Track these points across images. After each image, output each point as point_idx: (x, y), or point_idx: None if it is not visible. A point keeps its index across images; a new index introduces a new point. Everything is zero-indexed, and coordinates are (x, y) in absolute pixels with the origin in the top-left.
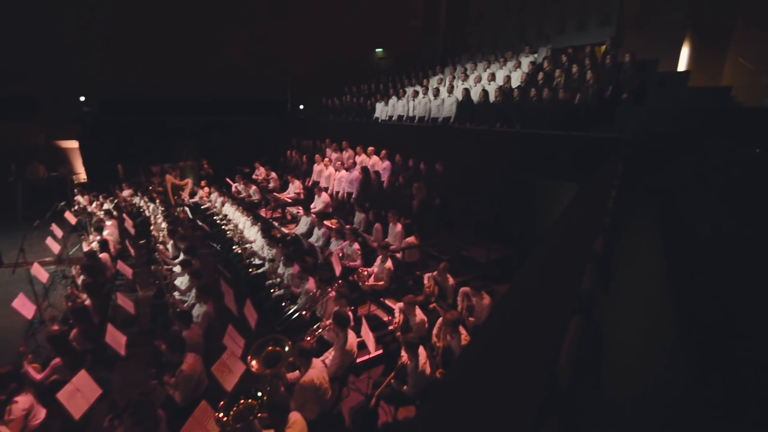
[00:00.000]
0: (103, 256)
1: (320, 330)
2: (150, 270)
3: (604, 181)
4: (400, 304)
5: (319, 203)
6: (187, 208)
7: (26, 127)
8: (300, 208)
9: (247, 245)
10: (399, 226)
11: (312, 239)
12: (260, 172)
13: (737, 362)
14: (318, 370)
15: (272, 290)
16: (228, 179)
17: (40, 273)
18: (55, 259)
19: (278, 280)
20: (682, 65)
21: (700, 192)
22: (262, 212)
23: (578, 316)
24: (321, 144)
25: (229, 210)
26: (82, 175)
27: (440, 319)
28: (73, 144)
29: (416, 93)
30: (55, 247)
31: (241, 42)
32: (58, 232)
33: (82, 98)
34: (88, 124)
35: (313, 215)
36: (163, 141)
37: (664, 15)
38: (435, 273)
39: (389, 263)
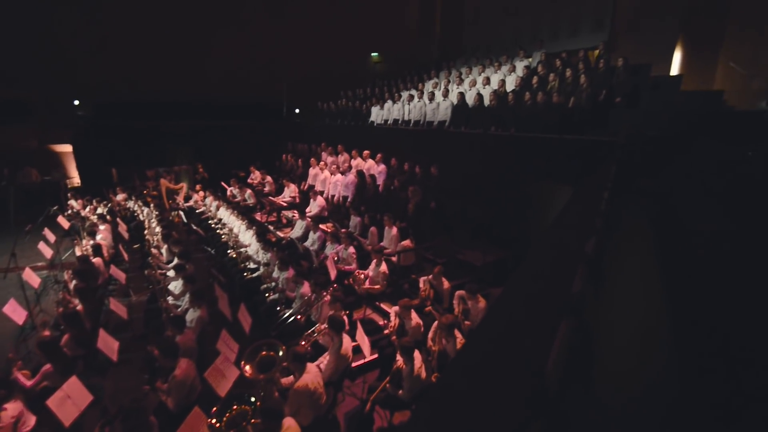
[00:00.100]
0: (97, 260)
1: (315, 334)
2: (144, 274)
3: (598, 183)
4: (396, 308)
5: (314, 207)
6: (181, 212)
7: (19, 131)
8: (295, 211)
9: (242, 249)
10: (394, 230)
11: (307, 243)
12: (255, 176)
13: (733, 364)
14: (312, 374)
15: (267, 294)
16: (223, 183)
17: (32, 278)
18: (47, 264)
19: (273, 284)
20: (674, 69)
21: (693, 194)
22: (258, 216)
23: (568, 319)
24: (316, 148)
25: (224, 214)
26: (75, 180)
27: (436, 322)
28: (66, 148)
29: (411, 97)
30: (48, 252)
31: (237, 46)
32: (51, 237)
33: (76, 102)
34: (82, 128)
35: (309, 219)
36: (158, 145)
37: (656, 20)
38: (430, 276)
39: (384, 266)
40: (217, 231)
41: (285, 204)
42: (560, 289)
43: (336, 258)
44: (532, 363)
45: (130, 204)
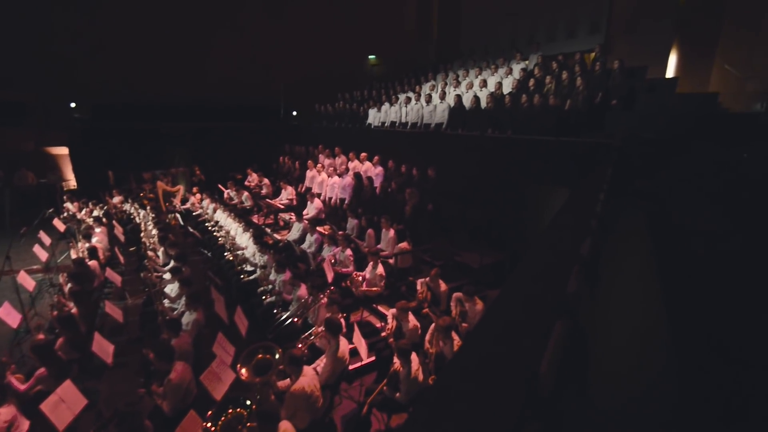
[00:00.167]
0: (92, 263)
1: (312, 337)
2: (140, 277)
3: (594, 185)
4: (393, 310)
5: (311, 209)
6: (178, 215)
7: (15, 133)
8: (292, 214)
9: (239, 252)
10: (392, 232)
11: (304, 245)
12: (252, 179)
13: (731, 364)
14: (309, 377)
15: (264, 297)
16: (220, 185)
17: (27, 281)
18: (42, 267)
19: (270, 286)
20: (670, 72)
21: (689, 196)
22: (255, 218)
23: (563, 319)
24: (314, 150)
25: (221, 216)
26: (71, 182)
27: (433, 325)
28: (63, 150)
29: (409, 99)
30: (43, 255)
31: (235, 48)
32: (46, 240)
33: (73, 104)
34: (78, 130)
35: (306, 221)
36: (155, 147)
37: (652, 23)
38: (427, 279)
39: (380, 268)
40: (214, 233)
41: (282, 206)
42: (556, 291)
43: (333, 260)
44: (526, 365)
45: (127, 206)
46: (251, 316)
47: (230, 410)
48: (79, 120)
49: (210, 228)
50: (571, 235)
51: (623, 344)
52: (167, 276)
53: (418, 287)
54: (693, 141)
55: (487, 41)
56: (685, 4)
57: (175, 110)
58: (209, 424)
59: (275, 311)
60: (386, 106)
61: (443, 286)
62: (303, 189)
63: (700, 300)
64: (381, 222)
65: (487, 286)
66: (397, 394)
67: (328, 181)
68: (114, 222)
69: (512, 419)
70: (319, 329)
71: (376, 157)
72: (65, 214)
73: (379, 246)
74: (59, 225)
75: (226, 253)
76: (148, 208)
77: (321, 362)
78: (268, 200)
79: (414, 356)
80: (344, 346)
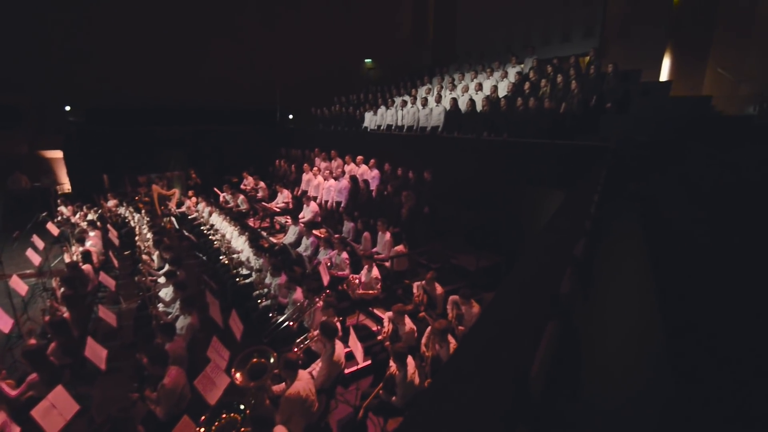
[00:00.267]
0: (86, 267)
1: (307, 341)
2: (134, 281)
3: (589, 187)
4: (389, 314)
5: (307, 213)
6: (173, 219)
7: (9, 136)
8: (288, 217)
9: (234, 255)
10: (388, 235)
11: (300, 249)
12: (248, 182)
13: (726, 365)
14: (304, 381)
15: (259, 301)
16: (216, 189)
17: (19, 285)
18: (36, 271)
19: (265, 290)
20: (664, 75)
21: (683, 198)
22: (251, 222)
23: (555, 321)
24: (310, 153)
25: (217, 220)
26: (66, 186)
27: (429, 328)
28: (57, 154)
29: (405, 103)
30: (36, 259)
31: (231, 51)
32: (39, 244)
33: (68, 108)
34: (73, 133)
35: (302, 224)
36: (151, 151)
37: (645, 27)
38: (424, 282)
39: (376, 271)
40: (210, 237)
41: (278, 210)
42: (549, 292)
43: (329, 263)
44: (517, 367)
45: (121, 210)
46: (247, 320)
47: (224, 415)
48: (74, 123)
49: (205, 231)
50: (566, 236)
51: (619, 345)
52: (162, 280)
53: (415, 290)
54: (687, 144)
55: (482, 45)
56: (678, 9)
57: (171, 113)
58: (203, 430)
59: (271, 315)
60: (382, 109)
61: (439, 289)
62: (299, 192)
63: (695, 301)
64: (377, 225)
65: (483, 289)
66: (393, 398)
67: (324, 184)
68: (108, 226)
69: (500, 424)
70: (315, 333)
71: (372, 160)
72: (59, 218)
73: (375, 249)
74: (53, 229)
75: (221, 257)
76: (143, 211)
77: (317, 366)
78: (264, 203)
79: (410, 359)
80: (340, 349)
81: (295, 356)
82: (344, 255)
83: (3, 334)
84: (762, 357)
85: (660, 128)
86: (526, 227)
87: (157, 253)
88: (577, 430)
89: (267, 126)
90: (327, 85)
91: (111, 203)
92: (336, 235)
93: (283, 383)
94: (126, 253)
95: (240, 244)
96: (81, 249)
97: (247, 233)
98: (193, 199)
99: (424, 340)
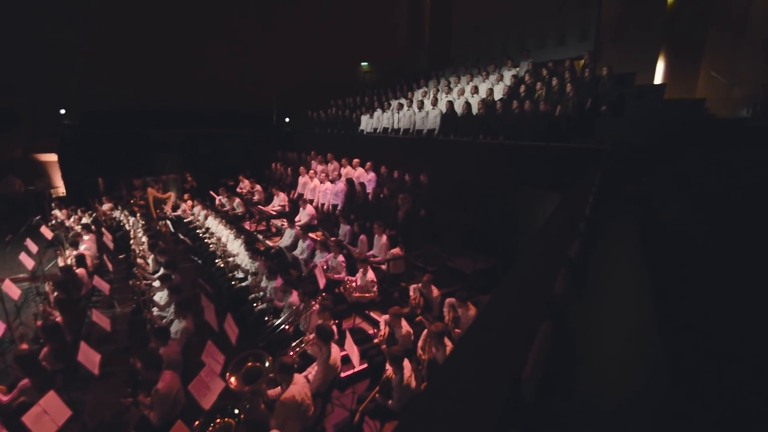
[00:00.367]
0: (80, 271)
1: (303, 344)
2: (129, 285)
3: (584, 189)
4: (386, 317)
5: (304, 216)
6: (169, 222)
7: (3, 140)
8: (284, 220)
9: (230, 258)
10: (384, 238)
11: (296, 252)
12: (244, 185)
13: (722, 364)
14: (300, 386)
15: (255, 304)
16: (212, 192)
17: (12, 290)
18: (29, 276)
19: (261, 293)
20: (658, 78)
21: (677, 199)
22: (247, 225)
23: (549, 321)
24: (306, 156)
25: (212, 223)
26: (60, 189)
27: (425, 331)
28: (51, 157)
29: (401, 106)
30: (29, 263)
31: (227, 54)
32: (33, 248)
33: (63, 111)
34: (68, 136)
35: (298, 228)
36: (146, 154)
37: (639, 31)
38: (420, 285)
39: (371, 274)
40: (205, 240)
41: (274, 213)
42: (543, 293)
43: (325, 267)
44: (511, 369)
45: (116, 214)
46: (242, 324)
47: (218, 420)
48: (69, 126)
49: (201, 235)
50: (561, 238)
51: (615, 346)
52: (156, 284)
53: (411, 293)
54: (681, 146)
55: (478, 48)
56: (672, 12)
57: (167, 116)
58: None
59: (266, 318)
60: (379, 112)
61: (436, 292)
62: (295, 195)
63: (690, 301)
64: (373, 228)
65: (479, 292)
66: (390, 402)
67: (320, 187)
68: (103, 229)
69: (492, 427)
70: (311, 336)
71: (368, 163)
72: (53, 222)
73: (371, 252)
74: (47, 232)
75: (217, 260)
76: (138, 215)
77: (312, 370)
78: (260, 207)
79: (406, 363)
80: (336, 353)
81: (290, 360)
82: (340, 258)
83: None
84: (758, 357)
85: (655, 131)
86: (522, 230)
87: (152, 256)
88: (572, 430)
89: (263, 129)
90: (323, 87)
91: (106, 207)
92: (332, 238)
93: (279, 387)
94: (121, 256)
95: (236, 247)
96: (75, 253)
97: (243, 236)
98: (189, 202)
99: (420, 343)
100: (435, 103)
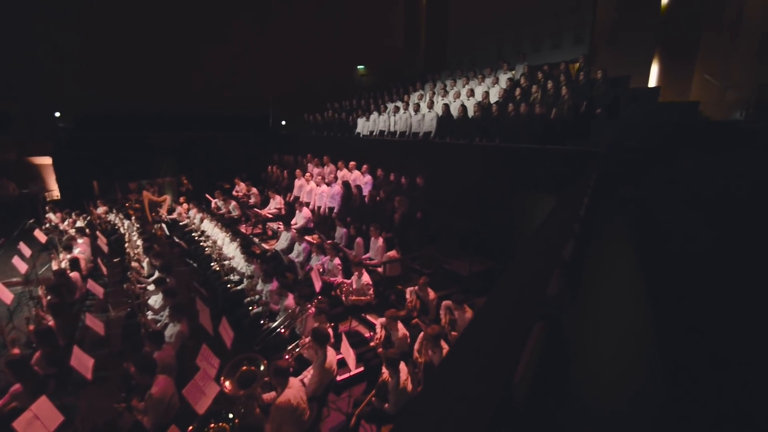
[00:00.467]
0: (74, 275)
1: (299, 348)
2: (123, 289)
3: (580, 192)
4: (382, 320)
5: (300, 218)
6: (164, 225)
7: None
8: (281, 223)
9: (226, 262)
10: (380, 241)
11: (293, 255)
12: (240, 188)
13: (719, 366)
14: (295, 389)
15: (251, 308)
16: (207, 195)
17: (4, 294)
18: (22, 279)
19: (257, 297)
20: (652, 81)
21: (672, 201)
22: (243, 228)
23: (542, 322)
24: (302, 159)
25: (208, 226)
26: (55, 192)
27: (422, 333)
28: (46, 160)
29: (397, 109)
30: (22, 267)
31: (223, 57)
32: (26, 251)
33: (58, 114)
34: (63, 139)
35: (294, 231)
36: (142, 157)
37: (633, 34)
38: (416, 287)
39: (366, 277)
40: (201, 243)
41: (270, 216)
42: (537, 295)
43: (321, 270)
44: (504, 372)
45: (111, 217)
46: (238, 327)
47: (212, 425)
48: (64, 129)
49: (197, 238)
50: (556, 239)
51: (611, 348)
52: (151, 287)
53: (407, 296)
54: (675, 148)
55: (474, 51)
56: (665, 16)
57: (163, 119)
58: None
59: (262, 322)
60: (375, 115)
61: (432, 295)
62: (291, 198)
63: (686, 302)
64: (370, 230)
65: (476, 294)
66: (386, 405)
67: (316, 190)
68: (98, 233)
69: (484, 429)
70: (307, 340)
71: (364, 166)
72: (47, 225)
73: (368, 255)
74: (40, 236)
75: (212, 264)
76: (133, 218)
77: (308, 373)
78: (256, 210)
79: (403, 366)
80: (332, 356)
81: (285, 363)
82: (336, 261)
83: None
84: (756, 358)
85: (649, 133)
86: (518, 232)
87: (147, 260)
88: None
89: (259, 132)
90: (320, 91)
91: (101, 210)
92: (328, 241)
93: (274, 391)
94: (115, 260)
95: (231, 250)
96: (69, 256)
97: (238, 239)
98: (185, 205)
99: (416, 346)
100: (431, 105)
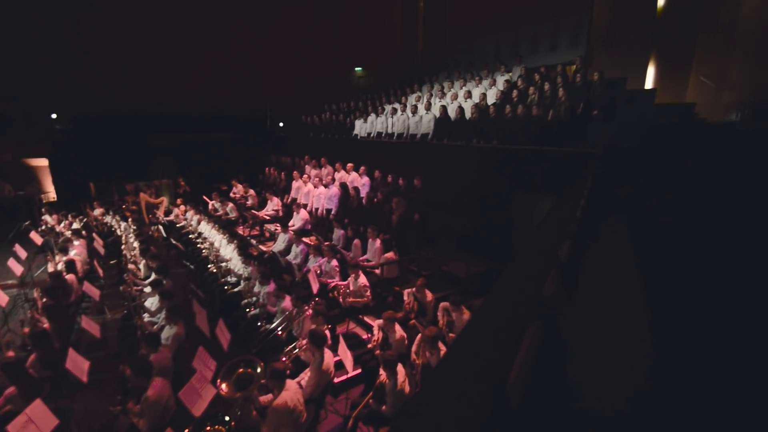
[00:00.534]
0: (69, 277)
1: (296, 350)
2: (119, 291)
3: (577, 193)
4: (380, 321)
5: (297, 220)
6: (161, 227)
7: None
8: (278, 225)
9: (223, 264)
10: (378, 242)
11: (290, 257)
12: (238, 190)
13: (718, 367)
14: (292, 392)
15: (248, 309)
16: (205, 197)
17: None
18: (18, 282)
19: (254, 299)
20: (648, 83)
21: (669, 202)
22: (240, 230)
23: (538, 323)
24: (300, 161)
25: (205, 228)
26: (51, 194)
27: (419, 335)
28: (42, 162)
29: (395, 110)
30: (18, 269)
31: (220, 59)
32: (22, 253)
33: (54, 115)
34: (59, 141)
35: (291, 232)
36: (139, 158)
37: (630, 36)
38: (414, 289)
39: (363, 279)
40: (198, 245)
41: (268, 217)
42: (533, 296)
43: (319, 271)
44: (498, 373)
45: (108, 219)
46: (234, 329)
47: (208, 427)
48: (60, 131)
49: (194, 240)
50: (553, 240)
51: (610, 348)
52: (148, 289)
53: (405, 297)
54: (672, 149)
55: (471, 53)
56: (661, 18)
57: (160, 121)
58: None
59: (259, 324)
60: (372, 117)
61: (430, 296)
62: (289, 200)
63: (684, 303)
64: (367, 232)
65: (474, 296)
66: (384, 407)
67: (314, 191)
68: (94, 234)
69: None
70: (304, 341)
71: (362, 168)
72: (43, 227)
73: (365, 256)
74: (36, 238)
75: (209, 265)
76: (130, 220)
77: (305, 375)
78: (253, 211)
79: (400, 367)
80: (329, 358)
81: (282, 366)
82: (334, 263)
83: None
84: (754, 359)
85: (646, 135)
86: (516, 234)
87: (143, 262)
88: None
89: (257, 133)
90: (317, 92)
91: (97, 212)
92: (326, 243)
93: (271, 394)
94: (112, 262)
95: (229, 252)
96: (65, 258)
97: (236, 241)
98: (182, 207)
99: (414, 348)
100: (428, 107)
